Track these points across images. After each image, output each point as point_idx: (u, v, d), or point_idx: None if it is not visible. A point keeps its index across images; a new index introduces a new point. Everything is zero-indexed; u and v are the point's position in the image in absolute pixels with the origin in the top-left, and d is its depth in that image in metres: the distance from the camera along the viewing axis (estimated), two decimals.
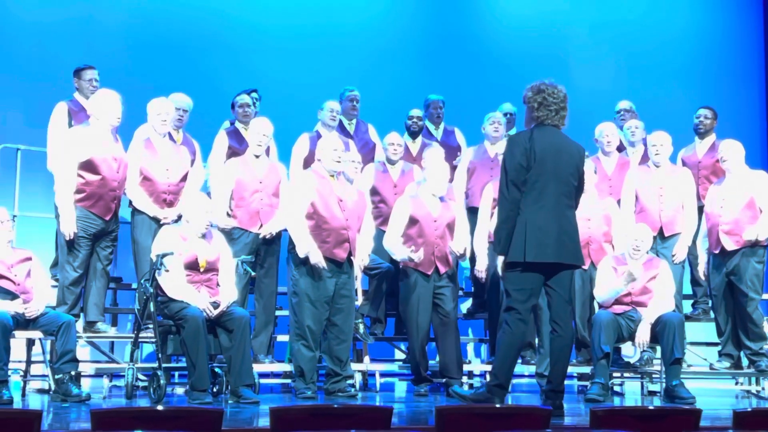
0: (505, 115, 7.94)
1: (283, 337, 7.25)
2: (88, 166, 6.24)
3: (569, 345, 5.30)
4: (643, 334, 6.32)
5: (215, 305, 5.78)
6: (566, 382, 7.34)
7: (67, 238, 6.21)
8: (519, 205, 5.09)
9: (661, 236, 6.99)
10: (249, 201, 6.50)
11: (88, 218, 6.27)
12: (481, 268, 6.91)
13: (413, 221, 6.44)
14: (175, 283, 5.75)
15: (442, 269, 6.45)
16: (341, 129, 7.68)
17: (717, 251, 6.87)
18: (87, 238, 6.28)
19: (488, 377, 6.05)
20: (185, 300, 5.72)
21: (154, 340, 5.81)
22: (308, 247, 6.03)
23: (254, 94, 7.48)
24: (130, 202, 6.53)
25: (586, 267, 6.79)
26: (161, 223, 6.37)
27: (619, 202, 7.14)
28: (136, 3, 9.30)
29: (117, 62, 8.43)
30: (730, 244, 6.80)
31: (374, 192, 7.18)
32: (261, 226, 6.51)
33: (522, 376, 7.24)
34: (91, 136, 6.29)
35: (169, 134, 6.81)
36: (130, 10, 9.23)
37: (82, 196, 6.26)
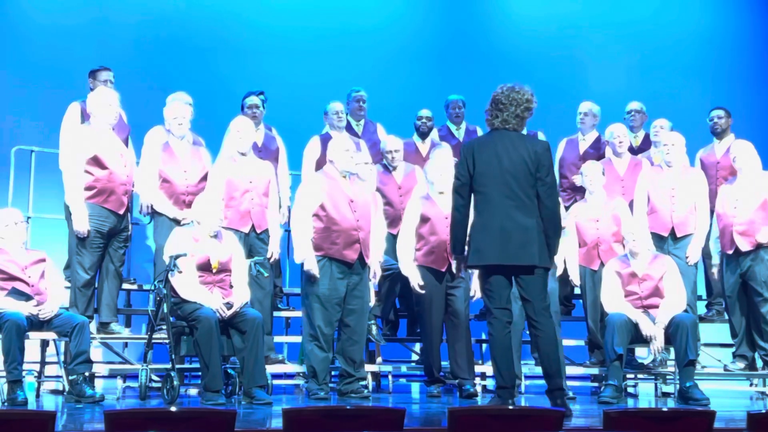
0: None
1: (295, 338, 7.26)
2: (95, 161, 6.27)
3: (553, 340, 5.27)
4: (658, 337, 6.28)
5: (228, 306, 5.79)
6: (580, 383, 7.34)
7: (82, 236, 6.23)
8: (463, 210, 5.26)
9: (673, 237, 6.96)
10: (239, 201, 6.47)
11: (101, 215, 6.29)
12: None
13: (424, 219, 6.44)
14: (187, 285, 5.76)
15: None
16: (349, 130, 7.68)
17: (731, 252, 6.84)
18: (100, 237, 6.30)
19: None
20: (198, 301, 5.73)
21: (167, 341, 5.82)
22: (304, 254, 6.07)
23: (261, 96, 7.49)
24: (151, 205, 6.55)
25: (595, 267, 6.79)
26: (181, 224, 6.39)
27: (631, 203, 7.12)
28: (148, 6, 9.33)
29: (129, 64, 8.46)
30: (744, 245, 6.77)
31: (379, 194, 7.18)
32: (252, 226, 6.48)
33: (535, 377, 7.21)
34: (95, 133, 6.33)
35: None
36: (142, 13, 9.26)
37: (94, 192, 6.28)
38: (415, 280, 6.39)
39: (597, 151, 7.69)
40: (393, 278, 6.91)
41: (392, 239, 6.93)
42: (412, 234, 6.48)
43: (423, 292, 6.38)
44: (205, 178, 6.57)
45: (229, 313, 5.76)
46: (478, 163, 5.19)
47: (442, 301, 6.43)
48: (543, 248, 5.17)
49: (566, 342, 6.94)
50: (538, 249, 5.14)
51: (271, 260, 6.64)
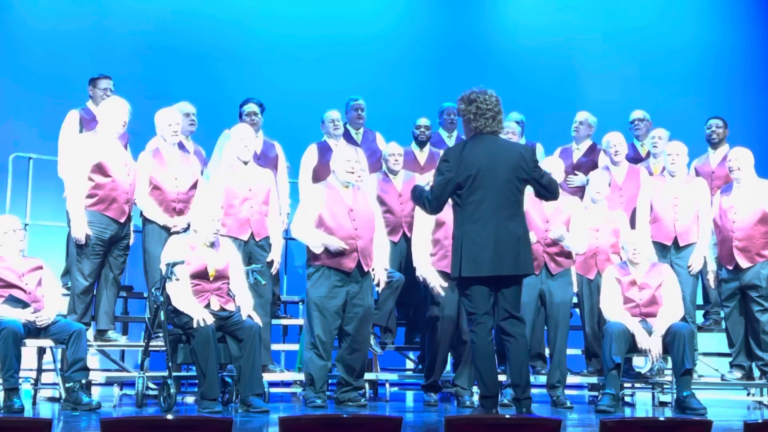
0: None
1: (293, 346, 7.26)
2: (99, 169, 6.26)
3: (525, 349, 5.22)
4: (655, 346, 6.29)
5: (224, 313, 5.79)
6: (577, 392, 7.33)
7: (80, 242, 6.22)
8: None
9: (675, 246, 6.96)
10: (238, 209, 6.46)
11: (102, 223, 6.28)
12: None
13: (439, 224, 6.37)
14: (179, 294, 5.75)
15: None
16: (348, 138, 7.68)
17: (731, 267, 6.83)
18: (100, 244, 6.29)
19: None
20: (186, 312, 5.70)
21: (164, 348, 5.82)
22: (321, 239, 6.00)
23: (259, 107, 7.49)
24: (141, 212, 6.55)
25: (592, 276, 6.79)
26: (171, 231, 6.38)
27: (631, 211, 7.12)
28: (148, 14, 9.35)
29: (128, 71, 8.47)
30: (744, 263, 6.77)
31: (380, 202, 7.18)
32: (251, 233, 6.47)
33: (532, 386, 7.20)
34: (100, 142, 6.34)
35: (180, 142, 6.84)
36: (141, 21, 9.29)
37: (95, 200, 6.27)
38: (436, 281, 6.25)
39: (591, 161, 7.69)
40: (391, 287, 6.90)
41: (393, 247, 6.93)
42: (427, 237, 6.39)
43: (443, 293, 6.25)
44: (195, 185, 6.57)
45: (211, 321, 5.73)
46: (470, 170, 5.06)
47: (455, 309, 6.37)
48: (530, 256, 5.19)
49: None
50: (528, 257, 5.15)
51: (273, 269, 6.64)
